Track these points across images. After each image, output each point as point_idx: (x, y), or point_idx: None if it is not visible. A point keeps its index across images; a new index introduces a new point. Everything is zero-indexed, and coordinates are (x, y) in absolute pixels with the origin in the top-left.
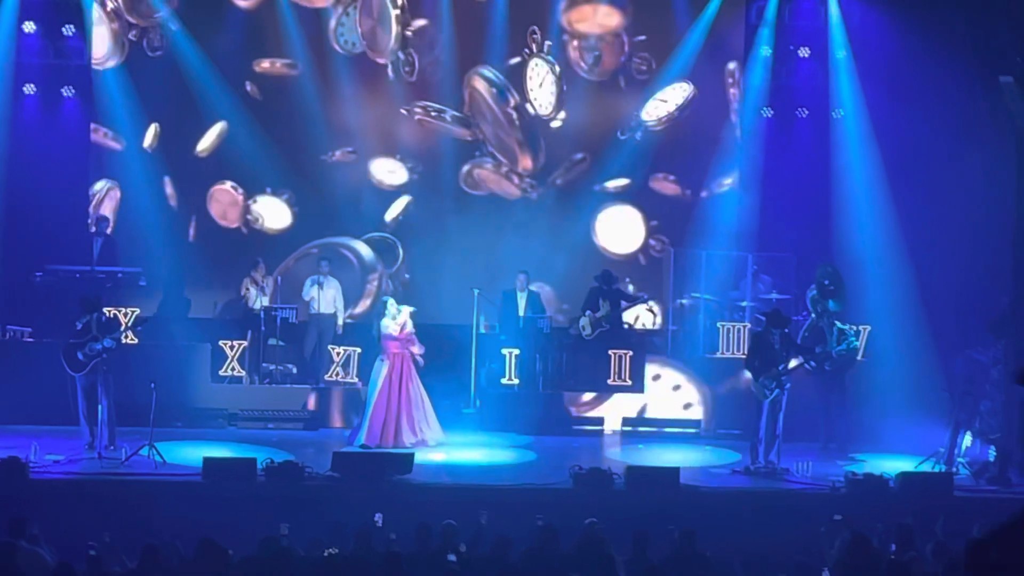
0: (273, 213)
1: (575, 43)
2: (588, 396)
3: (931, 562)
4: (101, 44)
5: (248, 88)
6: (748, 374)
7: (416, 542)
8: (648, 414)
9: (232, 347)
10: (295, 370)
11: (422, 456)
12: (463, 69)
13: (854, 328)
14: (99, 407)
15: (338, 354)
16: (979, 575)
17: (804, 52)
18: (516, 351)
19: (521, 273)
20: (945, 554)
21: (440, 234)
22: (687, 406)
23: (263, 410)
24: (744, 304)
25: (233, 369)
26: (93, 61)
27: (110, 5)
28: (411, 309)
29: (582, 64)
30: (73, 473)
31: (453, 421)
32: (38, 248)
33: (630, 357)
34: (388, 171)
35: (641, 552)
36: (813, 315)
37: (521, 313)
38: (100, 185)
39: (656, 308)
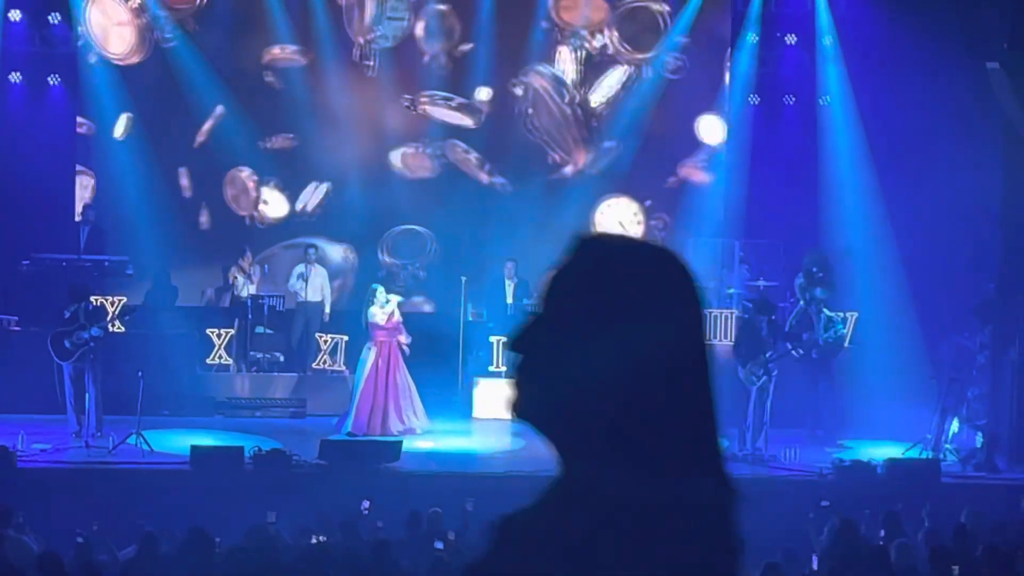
0: (274, 202)
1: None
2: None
3: (922, 548)
4: (121, 41)
5: (268, 79)
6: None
7: (404, 529)
8: None
9: (220, 335)
10: (282, 358)
11: (410, 444)
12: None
13: (842, 315)
14: (86, 395)
15: (325, 342)
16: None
17: (791, 39)
18: (504, 338)
19: (509, 261)
20: (936, 540)
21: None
22: None
23: (251, 398)
24: (731, 291)
25: (221, 357)
26: (114, 57)
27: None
28: (399, 298)
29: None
30: (60, 462)
31: (440, 409)
32: (24, 236)
33: None
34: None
35: None
36: (801, 302)
37: (509, 301)
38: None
39: None
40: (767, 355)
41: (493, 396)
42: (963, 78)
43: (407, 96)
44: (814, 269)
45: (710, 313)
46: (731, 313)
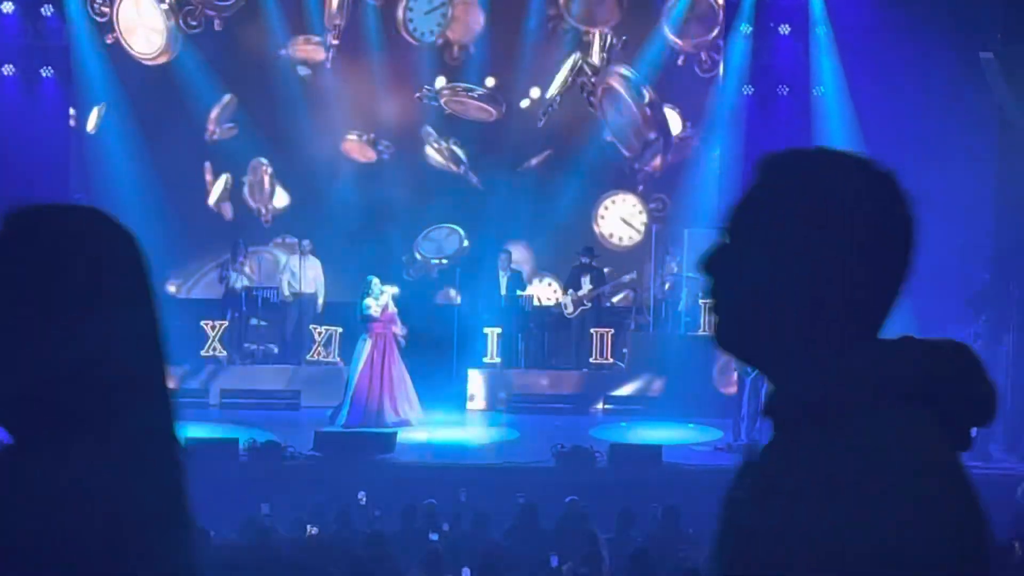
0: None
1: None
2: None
3: None
4: (149, 44)
5: (302, 73)
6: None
7: (399, 520)
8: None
9: (214, 327)
10: (276, 350)
11: (404, 435)
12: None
13: None
14: None
15: (320, 334)
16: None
17: (784, 29)
18: (498, 330)
19: (503, 252)
20: None
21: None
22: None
23: (245, 390)
24: None
25: (215, 349)
26: (143, 57)
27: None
28: (394, 290)
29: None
30: None
31: (435, 400)
32: None
33: (612, 335)
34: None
35: (625, 530)
36: None
37: (503, 292)
38: None
39: (639, 288)
40: None
41: (487, 387)
42: (957, 68)
43: (428, 88)
44: None
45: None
46: None
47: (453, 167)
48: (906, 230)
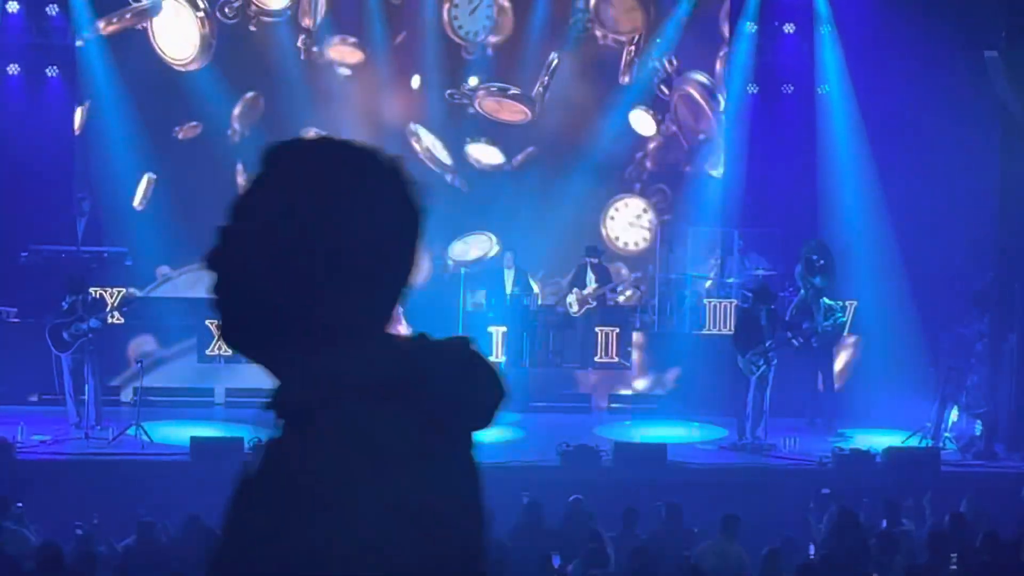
0: None
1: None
2: None
3: (921, 536)
4: (181, 51)
5: (342, 73)
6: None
7: None
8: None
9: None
10: None
11: None
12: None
13: (841, 304)
14: (86, 387)
15: None
16: None
17: (789, 28)
18: (503, 329)
19: (508, 251)
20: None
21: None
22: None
23: (251, 389)
24: (731, 280)
25: (220, 348)
26: (175, 63)
27: (202, 5)
28: None
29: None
30: (60, 453)
31: None
32: (23, 228)
33: (617, 334)
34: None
35: (630, 528)
36: (801, 291)
37: (508, 291)
38: None
39: (644, 287)
40: (767, 344)
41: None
42: (961, 67)
43: (462, 89)
44: (813, 257)
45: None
46: (731, 303)
47: (433, 166)
48: (409, 223)
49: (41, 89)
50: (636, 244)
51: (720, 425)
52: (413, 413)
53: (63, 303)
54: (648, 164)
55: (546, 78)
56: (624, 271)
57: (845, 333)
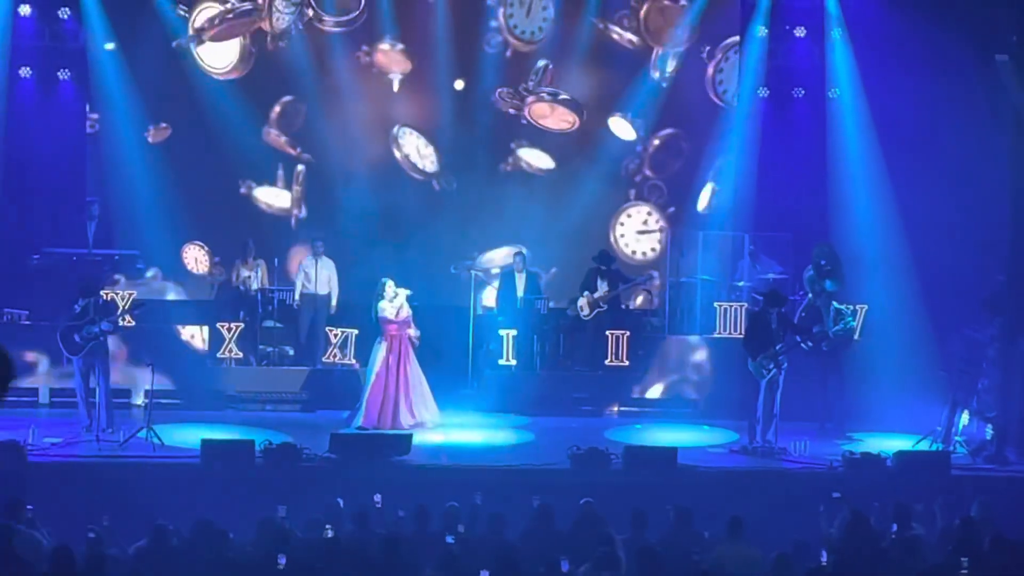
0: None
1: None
2: None
3: (932, 540)
4: (221, 59)
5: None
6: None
7: (414, 523)
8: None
9: (229, 329)
10: (292, 352)
11: (420, 437)
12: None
13: (851, 307)
14: (97, 390)
15: (336, 336)
16: None
17: (800, 32)
18: (514, 332)
19: (518, 254)
20: (946, 532)
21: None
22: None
23: (261, 392)
24: (741, 284)
25: (231, 351)
26: (214, 71)
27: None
28: (407, 292)
29: None
30: (71, 456)
31: (450, 402)
32: (35, 231)
33: (627, 337)
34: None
35: (640, 532)
36: (810, 295)
37: (519, 294)
38: None
39: (654, 291)
40: (777, 348)
41: (503, 389)
42: (973, 70)
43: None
44: (823, 262)
45: (720, 307)
46: (741, 306)
47: (417, 175)
48: None
49: (53, 92)
50: (644, 254)
51: (731, 429)
52: None
53: (75, 306)
54: (646, 169)
55: (531, 83)
56: (656, 281)
57: (855, 337)
